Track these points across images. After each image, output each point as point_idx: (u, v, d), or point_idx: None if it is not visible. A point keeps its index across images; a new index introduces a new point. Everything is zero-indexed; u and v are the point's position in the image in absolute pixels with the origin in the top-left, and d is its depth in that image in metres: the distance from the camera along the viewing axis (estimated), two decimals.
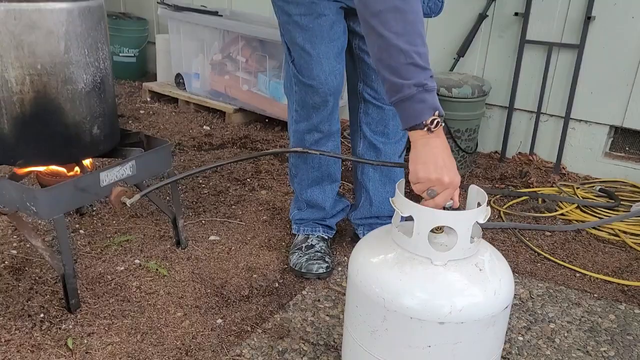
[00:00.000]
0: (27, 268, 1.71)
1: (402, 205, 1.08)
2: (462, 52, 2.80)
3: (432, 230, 1.06)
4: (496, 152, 2.92)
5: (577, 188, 2.47)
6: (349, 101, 1.83)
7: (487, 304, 1.03)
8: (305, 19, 1.56)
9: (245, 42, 3.12)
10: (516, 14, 2.65)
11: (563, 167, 2.74)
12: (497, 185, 2.58)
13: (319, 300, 1.64)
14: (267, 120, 3.25)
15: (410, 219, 1.08)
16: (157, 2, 3.36)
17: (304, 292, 1.68)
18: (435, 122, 1.07)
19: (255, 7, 3.44)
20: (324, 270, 1.75)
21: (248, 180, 2.48)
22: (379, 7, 1.06)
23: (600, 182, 2.60)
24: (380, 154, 1.79)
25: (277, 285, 1.72)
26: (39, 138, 1.48)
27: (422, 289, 1.03)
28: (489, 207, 1.07)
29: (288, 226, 2.05)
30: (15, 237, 1.88)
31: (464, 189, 1.22)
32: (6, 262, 1.73)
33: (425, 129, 1.08)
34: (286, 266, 1.81)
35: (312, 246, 1.82)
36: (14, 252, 1.79)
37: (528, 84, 2.73)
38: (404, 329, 1.03)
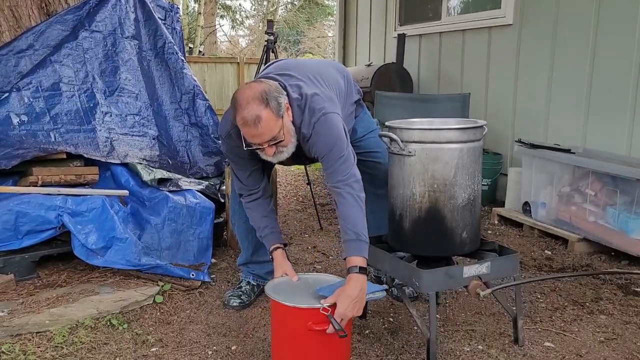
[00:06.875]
0: (399, 332, 2.29)
1: None
2: None
3: None
4: None
5: None
6: None
7: None
8: None
9: (595, 177, 3.32)
10: None
11: None
12: None
13: None
14: (613, 253, 3.28)
15: None
16: (515, 141, 3.90)
17: None
18: None
19: (610, 146, 3.63)
20: None
21: (587, 304, 2.60)
22: None
23: None
24: None
25: None
26: (428, 236, 2.08)
27: None
28: None
29: (627, 354, 2.11)
30: (391, 309, 2.51)
31: None
32: (386, 325, 2.36)
33: None
34: None
35: None
36: (391, 319, 2.41)
37: None
38: None
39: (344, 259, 1.96)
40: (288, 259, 2.24)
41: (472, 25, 4.87)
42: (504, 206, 4.22)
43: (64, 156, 2.94)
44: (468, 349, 2.15)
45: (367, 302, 2.37)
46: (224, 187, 3.34)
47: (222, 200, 3.30)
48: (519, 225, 3.90)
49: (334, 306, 1.83)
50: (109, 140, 3.10)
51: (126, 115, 3.24)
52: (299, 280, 2.12)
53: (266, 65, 2.52)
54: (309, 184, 3.99)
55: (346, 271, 1.92)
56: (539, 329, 2.33)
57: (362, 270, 1.90)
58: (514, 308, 2.18)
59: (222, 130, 2.21)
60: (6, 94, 2.93)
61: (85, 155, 2.98)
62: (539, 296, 2.69)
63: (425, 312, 2.44)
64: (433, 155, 2.03)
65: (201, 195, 3.09)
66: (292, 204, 4.64)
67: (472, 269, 2.02)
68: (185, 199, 2.96)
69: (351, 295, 1.84)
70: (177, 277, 2.72)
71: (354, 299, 1.84)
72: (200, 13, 16.69)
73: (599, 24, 3.72)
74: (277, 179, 4.70)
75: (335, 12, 7.70)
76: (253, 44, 22.79)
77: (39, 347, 2.12)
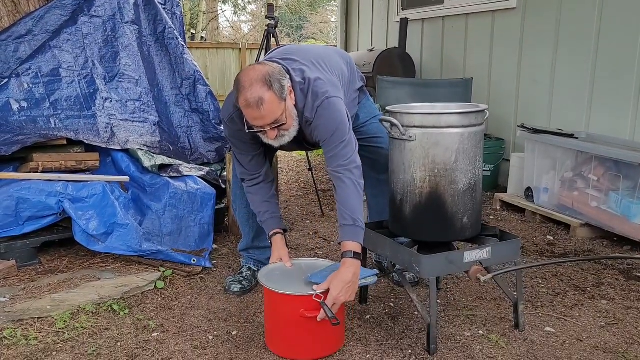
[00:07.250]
0: (400, 317, 2.29)
1: None
2: None
3: None
4: None
5: None
6: None
7: None
8: None
9: (598, 162, 3.30)
10: None
11: None
12: None
13: None
14: (615, 238, 3.26)
15: None
16: (518, 126, 3.87)
17: None
18: None
19: (614, 131, 3.60)
20: None
21: (588, 289, 2.60)
22: None
23: None
24: None
25: None
26: (428, 221, 2.07)
27: None
28: None
29: (627, 338, 2.11)
30: (392, 294, 2.51)
31: None
32: (386, 311, 2.36)
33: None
34: None
35: None
36: (392, 304, 2.42)
37: None
38: None
39: (339, 243, 1.96)
40: (287, 244, 2.24)
41: (476, 9, 4.82)
42: (506, 192, 4.20)
43: (65, 142, 2.93)
44: (469, 334, 2.15)
45: (366, 287, 2.38)
46: (225, 173, 3.33)
47: (223, 186, 3.29)
48: (521, 210, 3.89)
49: (326, 292, 1.84)
50: (110, 126, 3.09)
51: (126, 101, 3.22)
52: (293, 266, 2.13)
53: (268, 51, 2.49)
54: (310, 169, 3.98)
55: (340, 255, 1.92)
56: (540, 314, 2.33)
57: (356, 255, 1.91)
58: (515, 293, 2.18)
59: (224, 113, 2.19)
60: (6, 80, 2.92)
61: (86, 142, 2.97)
62: (540, 281, 2.68)
63: (426, 297, 2.44)
64: (434, 140, 2.01)
65: (202, 181, 3.09)
66: (293, 190, 4.63)
67: (472, 254, 2.01)
68: (186, 185, 2.96)
69: (344, 279, 1.85)
70: (179, 263, 2.72)
71: (347, 284, 1.84)
72: None
73: (603, 7, 3.67)
74: (279, 165, 4.69)
75: None
76: (255, 29, 22.64)
77: (40, 332, 2.13)
